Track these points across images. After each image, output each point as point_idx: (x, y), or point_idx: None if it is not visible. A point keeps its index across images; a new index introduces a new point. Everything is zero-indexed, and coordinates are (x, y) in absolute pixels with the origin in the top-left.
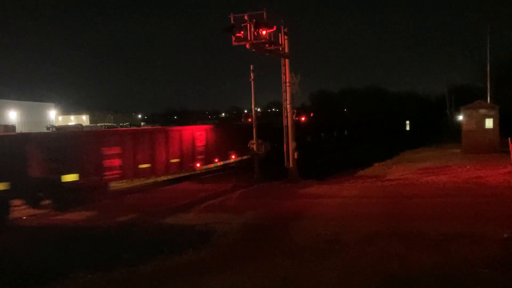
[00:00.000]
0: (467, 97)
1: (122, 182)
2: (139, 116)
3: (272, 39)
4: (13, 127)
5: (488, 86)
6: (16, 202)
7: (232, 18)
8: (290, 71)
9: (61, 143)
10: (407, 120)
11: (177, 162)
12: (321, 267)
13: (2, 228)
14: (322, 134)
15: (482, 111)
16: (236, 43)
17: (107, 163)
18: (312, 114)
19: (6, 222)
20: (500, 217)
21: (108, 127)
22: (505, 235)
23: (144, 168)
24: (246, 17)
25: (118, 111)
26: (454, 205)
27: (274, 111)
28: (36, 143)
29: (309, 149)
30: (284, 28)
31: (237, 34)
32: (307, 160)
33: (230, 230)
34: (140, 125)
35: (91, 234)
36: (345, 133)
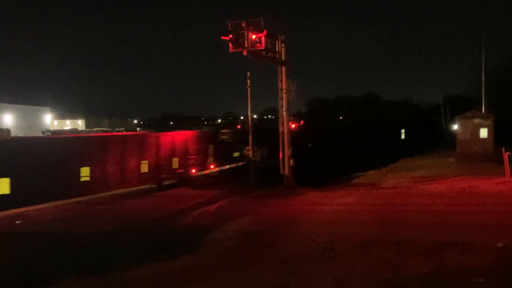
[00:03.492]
0: (462, 106)
1: None
2: (135, 121)
3: (269, 46)
4: (8, 131)
5: (483, 96)
6: None
7: (229, 25)
8: (287, 78)
9: None
10: (402, 128)
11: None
12: (316, 274)
13: None
14: (317, 141)
15: (477, 120)
16: (233, 50)
17: None
18: (302, 122)
19: None
20: (495, 226)
21: (104, 131)
22: (499, 244)
23: None
24: (243, 24)
25: (113, 116)
26: (448, 213)
27: (270, 117)
28: None
29: (305, 156)
30: (281, 36)
31: (234, 41)
32: (302, 167)
33: (225, 236)
34: (136, 130)
35: (85, 239)
36: (341, 140)
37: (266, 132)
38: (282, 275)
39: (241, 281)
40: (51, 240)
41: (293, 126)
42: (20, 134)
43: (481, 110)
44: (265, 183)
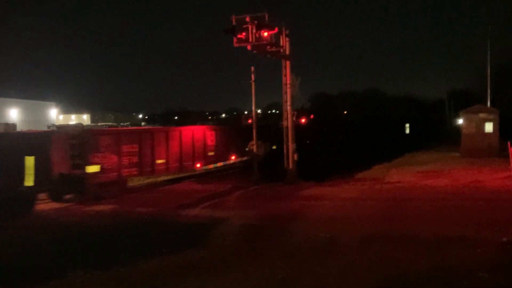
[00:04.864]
0: (466, 100)
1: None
2: (140, 116)
3: (273, 40)
4: (13, 126)
5: (488, 90)
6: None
7: (233, 19)
8: (291, 73)
9: None
10: (407, 123)
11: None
12: (318, 268)
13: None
14: (321, 136)
15: (482, 115)
16: (237, 45)
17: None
18: (312, 116)
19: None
20: (499, 221)
21: (109, 126)
22: (503, 239)
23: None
24: (247, 19)
25: (118, 110)
26: (452, 208)
27: (274, 112)
28: None
29: (309, 151)
30: (285, 30)
31: (239, 36)
32: (306, 161)
33: (229, 231)
34: (140, 125)
35: (89, 234)
36: (344, 135)
37: (269, 127)
38: (286, 269)
39: (245, 275)
40: (56, 234)
41: (303, 120)
42: (26, 129)
43: (486, 104)
44: (268, 178)
